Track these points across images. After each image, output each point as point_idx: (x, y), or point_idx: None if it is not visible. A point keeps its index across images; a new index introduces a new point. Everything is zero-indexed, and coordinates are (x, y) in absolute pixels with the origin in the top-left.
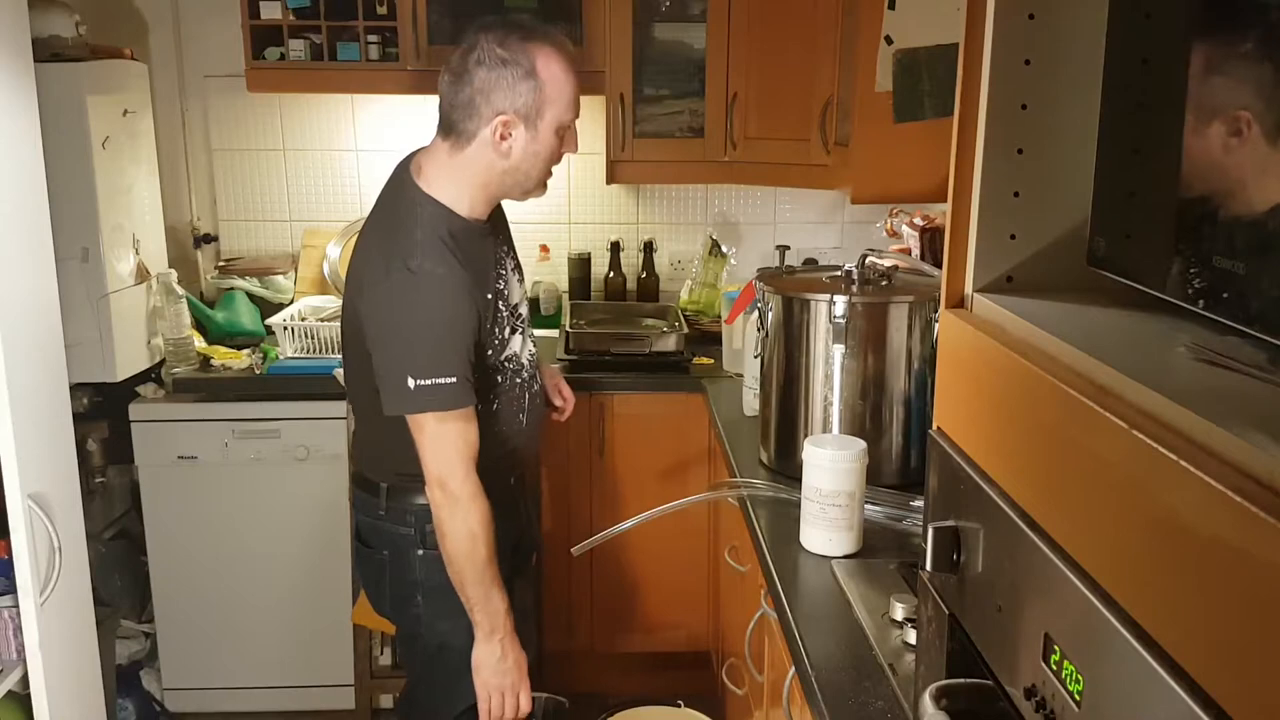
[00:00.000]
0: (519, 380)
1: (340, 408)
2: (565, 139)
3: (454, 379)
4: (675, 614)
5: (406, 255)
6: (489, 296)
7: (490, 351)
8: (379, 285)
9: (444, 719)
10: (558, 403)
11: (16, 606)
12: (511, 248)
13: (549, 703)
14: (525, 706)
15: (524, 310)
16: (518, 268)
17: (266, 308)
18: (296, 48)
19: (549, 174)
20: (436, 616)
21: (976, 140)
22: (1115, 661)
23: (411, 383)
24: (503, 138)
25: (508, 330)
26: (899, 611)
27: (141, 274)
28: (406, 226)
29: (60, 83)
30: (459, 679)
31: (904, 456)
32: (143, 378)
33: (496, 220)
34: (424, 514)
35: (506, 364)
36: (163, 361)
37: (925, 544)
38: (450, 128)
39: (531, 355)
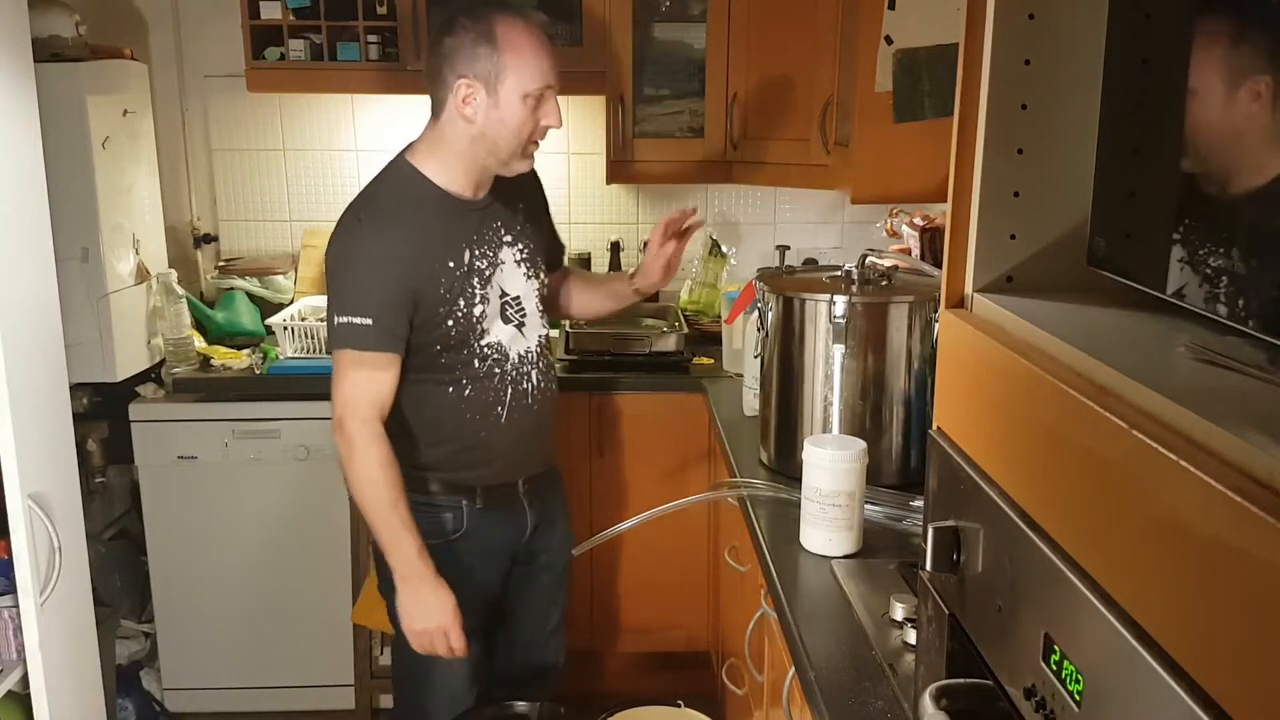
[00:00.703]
0: (499, 371)
1: None
2: (542, 111)
3: (370, 321)
4: (675, 614)
5: (361, 208)
6: (450, 265)
7: (451, 323)
8: (333, 237)
9: (418, 708)
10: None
11: (16, 606)
12: (522, 241)
13: (545, 710)
14: (458, 648)
15: (528, 305)
16: (527, 262)
17: (266, 308)
18: (296, 48)
19: (529, 145)
20: None
21: (976, 140)
22: (1115, 661)
23: (336, 319)
24: (465, 101)
25: (481, 308)
26: (899, 611)
27: (141, 274)
28: (374, 185)
29: (60, 83)
30: (429, 673)
31: (904, 456)
32: (143, 378)
33: (505, 206)
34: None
35: (486, 349)
36: (163, 361)
37: (925, 544)
38: (431, 102)
39: (526, 351)
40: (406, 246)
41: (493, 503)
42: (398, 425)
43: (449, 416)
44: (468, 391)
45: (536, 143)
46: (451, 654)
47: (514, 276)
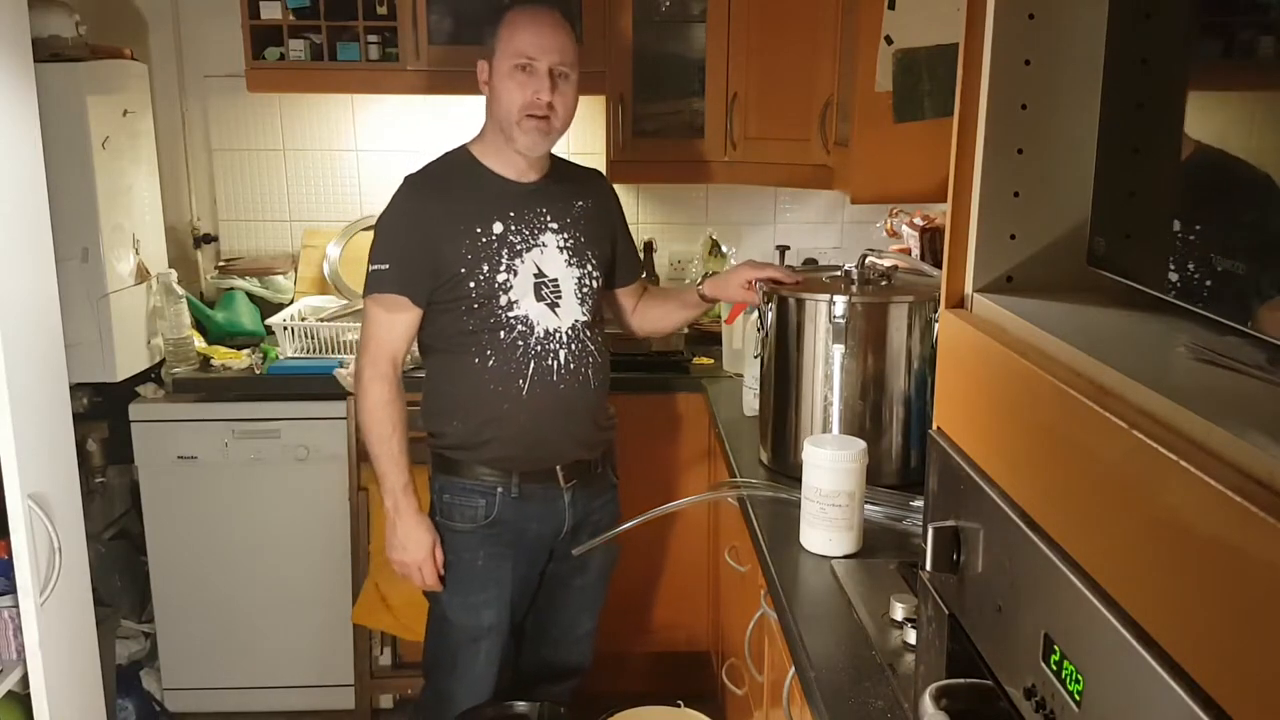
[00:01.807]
0: (523, 344)
1: (340, 408)
2: (532, 85)
3: (387, 266)
4: (675, 614)
5: (408, 177)
6: (478, 230)
7: (473, 284)
8: None
9: (442, 693)
10: (749, 293)
11: (16, 606)
12: (569, 232)
13: (546, 710)
14: (430, 583)
15: (565, 287)
16: (570, 250)
17: (266, 308)
18: (296, 48)
19: (525, 122)
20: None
21: (976, 140)
22: (1115, 661)
23: (368, 269)
24: (483, 81)
25: (506, 277)
26: (899, 611)
27: (141, 274)
28: (430, 162)
29: (60, 83)
30: (454, 660)
31: (904, 456)
32: (143, 378)
33: (559, 196)
34: (441, 485)
35: (512, 319)
36: (163, 361)
37: (925, 544)
38: None
39: (555, 330)
40: (432, 206)
41: (529, 493)
42: (434, 402)
43: (475, 387)
44: (491, 362)
45: (539, 119)
46: (425, 585)
47: (554, 260)
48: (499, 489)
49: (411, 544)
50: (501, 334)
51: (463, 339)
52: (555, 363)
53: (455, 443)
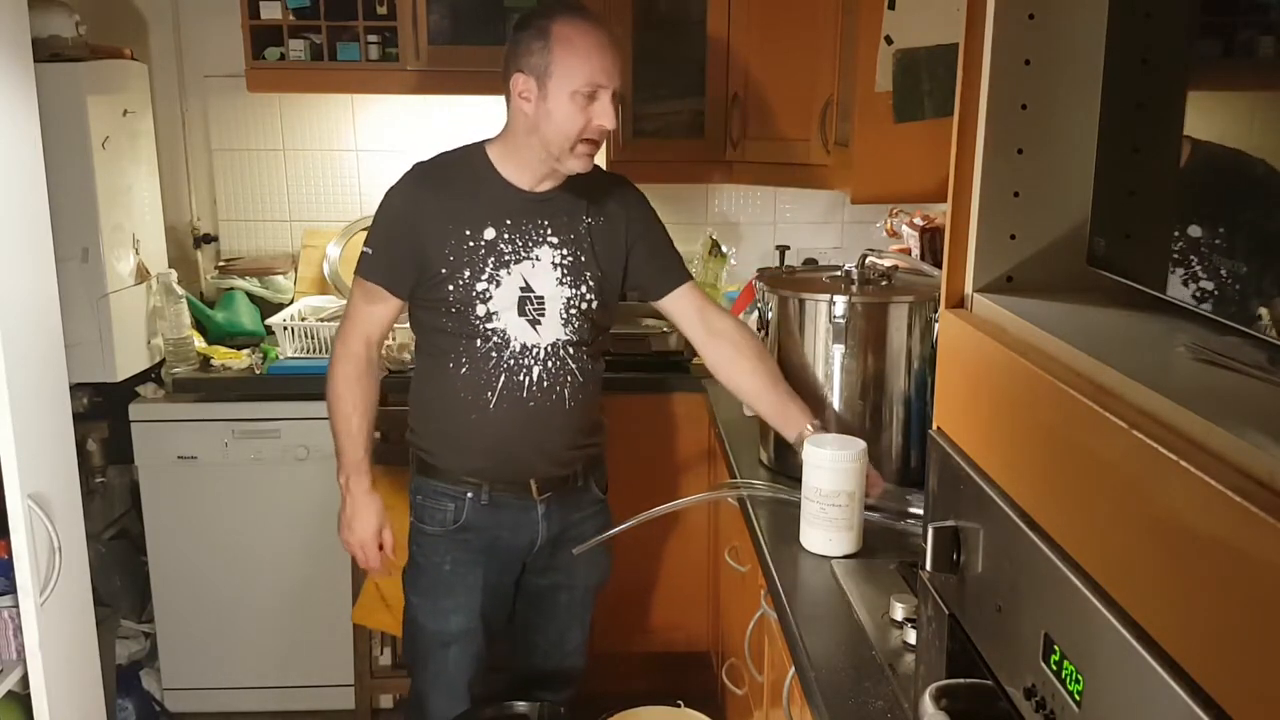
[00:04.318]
0: (496, 355)
1: None
2: (593, 110)
3: (372, 251)
4: (675, 614)
5: (415, 164)
6: (467, 233)
7: (451, 288)
8: None
9: (418, 693)
10: None
11: (16, 606)
12: (569, 249)
13: (545, 710)
14: (373, 564)
15: (550, 306)
16: (564, 268)
17: (266, 308)
18: (296, 48)
19: (579, 144)
20: (411, 590)
21: (976, 140)
22: (1115, 661)
23: (363, 246)
24: (522, 96)
25: (486, 286)
26: (899, 611)
27: (141, 274)
28: (440, 153)
29: (60, 83)
30: (427, 659)
31: (904, 456)
32: (143, 378)
33: (566, 211)
34: (416, 485)
35: (489, 330)
36: (163, 361)
37: (925, 544)
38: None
39: (533, 346)
40: (427, 199)
41: (500, 501)
42: (415, 403)
43: (446, 393)
44: (464, 370)
45: (591, 142)
46: (368, 567)
47: (545, 276)
48: (469, 494)
49: (357, 523)
50: (477, 342)
51: (441, 340)
52: (527, 379)
53: (428, 445)
